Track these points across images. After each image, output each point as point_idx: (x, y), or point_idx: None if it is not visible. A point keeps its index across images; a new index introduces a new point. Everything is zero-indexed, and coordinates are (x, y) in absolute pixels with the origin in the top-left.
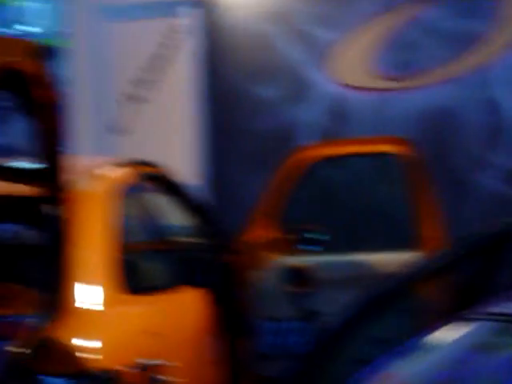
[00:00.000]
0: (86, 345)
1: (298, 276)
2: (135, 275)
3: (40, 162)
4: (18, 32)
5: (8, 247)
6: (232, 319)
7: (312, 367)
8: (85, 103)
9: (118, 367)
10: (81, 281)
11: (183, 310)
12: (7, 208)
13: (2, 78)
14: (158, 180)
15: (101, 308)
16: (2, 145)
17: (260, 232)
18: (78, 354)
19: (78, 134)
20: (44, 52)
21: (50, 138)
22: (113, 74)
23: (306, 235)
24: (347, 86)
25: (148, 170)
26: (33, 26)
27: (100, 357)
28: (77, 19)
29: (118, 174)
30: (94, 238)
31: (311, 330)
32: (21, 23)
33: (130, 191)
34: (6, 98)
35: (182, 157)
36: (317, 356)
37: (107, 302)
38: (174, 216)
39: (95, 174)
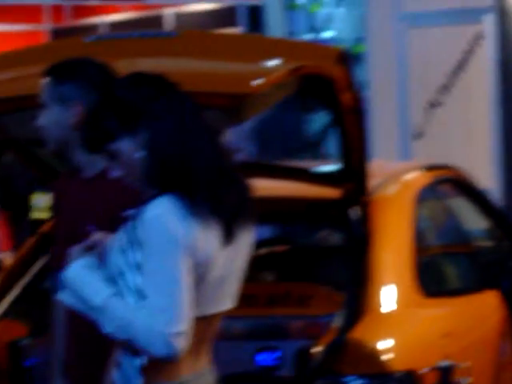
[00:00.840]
0: (386, 346)
1: None
2: (432, 278)
3: (344, 166)
4: (314, 37)
5: (314, 249)
6: None
7: None
8: (379, 107)
9: (416, 369)
10: (382, 283)
11: (480, 313)
12: (313, 211)
13: (307, 82)
14: (454, 183)
15: (400, 310)
16: (304, 147)
17: None
18: (378, 355)
19: (375, 138)
20: (348, 57)
21: (354, 143)
22: (412, 79)
23: None
24: None
25: (445, 173)
26: (326, 32)
27: (399, 358)
28: (373, 24)
29: (417, 177)
30: (396, 241)
31: None
32: (316, 29)
33: (428, 194)
34: (310, 102)
35: (476, 160)
36: None
37: (407, 304)
38: (471, 219)
39: (396, 178)
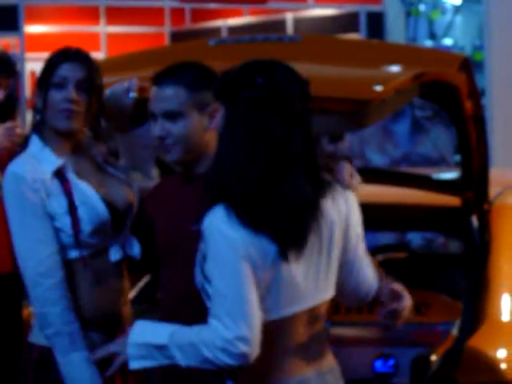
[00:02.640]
0: (504, 355)
1: None
2: None
3: (464, 173)
4: (433, 44)
5: (433, 256)
6: None
7: None
8: (498, 115)
9: None
10: (501, 292)
11: None
12: (432, 218)
13: (429, 89)
14: None
15: None
16: (424, 155)
17: None
18: (496, 364)
19: (494, 145)
20: (470, 64)
21: (475, 150)
22: None
23: None
24: None
25: None
26: (446, 39)
27: None
28: (493, 32)
29: None
30: None
31: None
32: (436, 36)
33: None
34: (430, 108)
35: None
36: None
37: None
38: None
39: None
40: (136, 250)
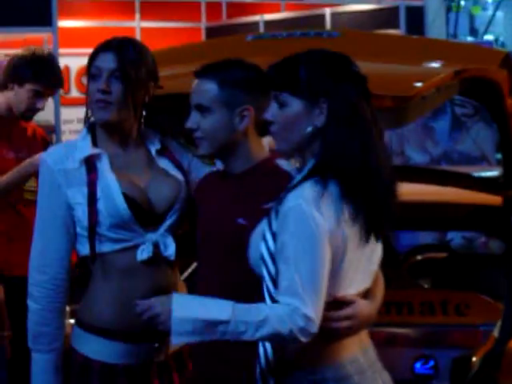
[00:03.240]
0: None
1: None
2: None
3: (506, 172)
4: (474, 40)
5: (473, 256)
6: None
7: None
8: None
9: None
10: None
11: None
12: (474, 217)
13: (470, 85)
14: None
15: None
16: (464, 153)
17: None
18: None
19: None
20: (510, 60)
21: None
22: None
23: None
24: None
25: None
26: (487, 34)
27: None
28: None
29: None
30: None
31: None
32: (476, 31)
33: None
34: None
35: None
36: None
37: None
38: None
39: None
40: (170, 250)
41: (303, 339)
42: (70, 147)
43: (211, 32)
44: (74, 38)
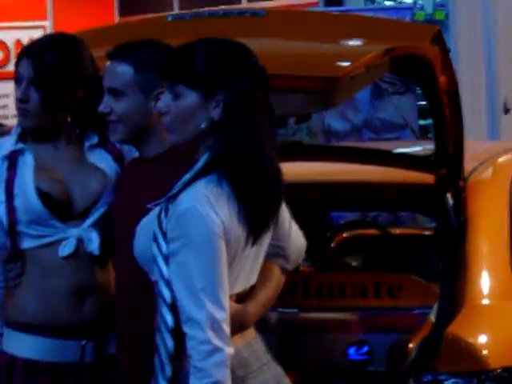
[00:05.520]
0: (484, 341)
1: None
2: None
3: (438, 149)
4: (393, 4)
5: (405, 236)
6: None
7: None
8: (465, 80)
9: None
10: (479, 274)
11: None
12: (405, 197)
13: (401, 63)
14: None
15: (499, 302)
16: (385, 120)
17: None
18: (476, 352)
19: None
20: (442, 36)
21: (450, 125)
22: (499, 49)
23: None
24: None
25: None
26: None
27: (497, 354)
28: None
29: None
30: (493, 229)
31: None
32: None
33: None
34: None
35: None
36: None
37: (506, 296)
38: None
39: (491, 160)
40: (94, 244)
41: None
42: None
43: (123, 2)
44: None
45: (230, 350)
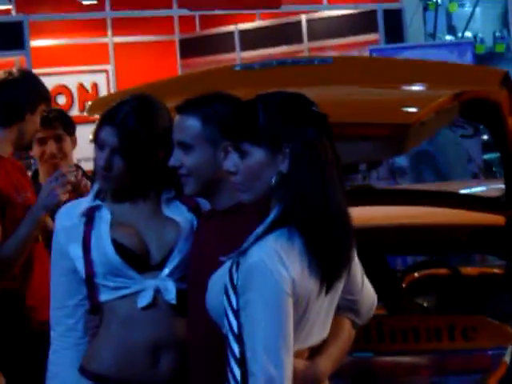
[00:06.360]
0: None
1: None
2: None
3: (508, 191)
4: (453, 38)
5: (477, 277)
6: None
7: None
8: None
9: None
10: None
11: None
12: (475, 238)
13: (471, 107)
14: None
15: None
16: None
17: None
18: None
19: None
20: (509, 79)
21: None
22: None
23: None
24: None
25: None
26: (466, 32)
27: None
28: None
29: None
30: None
31: None
32: (455, 29)
33: None
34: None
35: None
36: None
37: None
38: None
39: None
40: (171, 294)
41: None
42: (78, 204)
43: (185, 44)
44: (47, 58)
45: None
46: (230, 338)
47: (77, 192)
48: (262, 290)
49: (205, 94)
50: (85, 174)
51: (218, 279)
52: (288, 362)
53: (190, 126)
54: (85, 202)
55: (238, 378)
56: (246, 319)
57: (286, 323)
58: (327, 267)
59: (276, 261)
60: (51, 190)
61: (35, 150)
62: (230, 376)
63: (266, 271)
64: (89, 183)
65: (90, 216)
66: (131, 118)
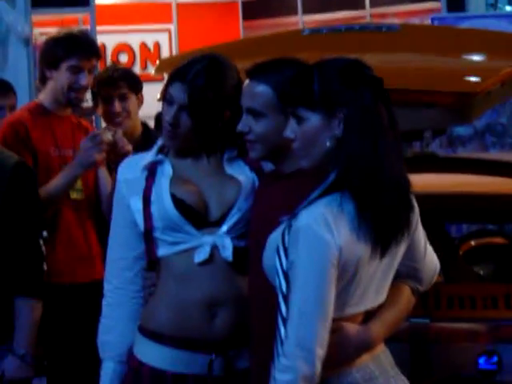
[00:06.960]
0: None
1: None
2: None
3: None
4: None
5: None
6: None
7: None
8: None
9: None
10: None
11: None
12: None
13: None
14: None
15: None
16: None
17: None
18: None
19: None
20: None
21: None
22: None
23: None
24: None
25: None
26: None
27: None
28: None
29: None
30: None
31: None
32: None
33: None
34: None
35: None
36: None
37: None
38: None
39: None
40: (228, 251)
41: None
42: (140, 157)
43: (248, 6)
44: (110, 16)
45: (307, 372)
46: (280, 297)
47: (113, 152)
48: (305, 254)
49: (275, 59)
50: (149, 130)
51: (273, 240)
52: (321, 327)
53: (260, 92)
54: (148, 156)
55: (283, 338)
56: (291, 281)
57: (325, 289)
58: (380, 232)
59: (322, 226)
60: (86, 150)
61: (100, 109)
62: (277, 334)
63: (311, 236)
64: (130, 145)
65: (151, 170)
66: (201, 77)
